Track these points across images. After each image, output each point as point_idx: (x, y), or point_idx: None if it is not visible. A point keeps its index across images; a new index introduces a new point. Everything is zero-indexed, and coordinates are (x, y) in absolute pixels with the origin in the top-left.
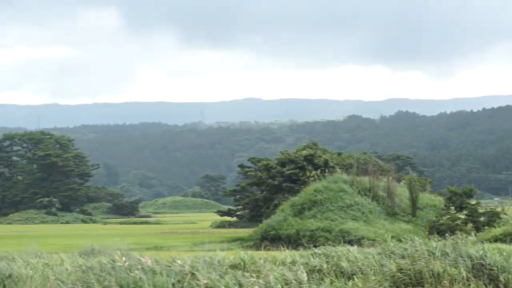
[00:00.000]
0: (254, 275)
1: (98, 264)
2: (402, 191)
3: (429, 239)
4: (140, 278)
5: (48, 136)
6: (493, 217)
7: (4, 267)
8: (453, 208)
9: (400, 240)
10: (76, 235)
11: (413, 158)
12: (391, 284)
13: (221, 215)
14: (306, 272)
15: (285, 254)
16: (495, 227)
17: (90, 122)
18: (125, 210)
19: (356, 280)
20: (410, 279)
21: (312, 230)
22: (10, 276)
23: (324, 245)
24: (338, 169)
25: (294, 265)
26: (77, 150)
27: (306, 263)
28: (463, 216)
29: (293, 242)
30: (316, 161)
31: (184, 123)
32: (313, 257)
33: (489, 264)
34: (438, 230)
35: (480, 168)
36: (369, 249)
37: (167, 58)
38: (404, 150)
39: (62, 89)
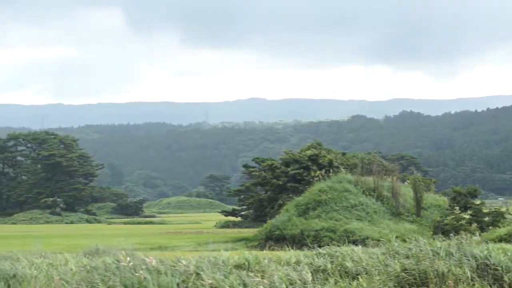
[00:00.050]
0: (258, 275)
1: (103, 264)
2: (406, 191)
3: (434, 239)
4: (145, 278)
5: (53, 136)
6: (497, 217)
7: (8, 267)
8: (457, 208)
9: (404, 240)
10: (80, 235)
11: (417, 158)
12: (396, 284)
13: (226, 215)
14: (311, 272)
15: (289, 254)
16: (499, 227)
17: (94, 122)
18: (129, 210)
19: (360, 280)
20: (415, 279)
21: (316, 230)
22: (14, 276)
23: (328, 245)
24: (342, 169)
25: (299, 265)
26: (81, 150)
27: (311, 263)
28: (467, 216)
29: (298, 242)
30: (320, 161)
31: (188, 123)
32: (317, 257)
33: (493, 264)
34: (442, 230)
35: (484, 168)
36: (373, 249)
37: (171, 58)
38: (409, 150)
39: (66, 89)
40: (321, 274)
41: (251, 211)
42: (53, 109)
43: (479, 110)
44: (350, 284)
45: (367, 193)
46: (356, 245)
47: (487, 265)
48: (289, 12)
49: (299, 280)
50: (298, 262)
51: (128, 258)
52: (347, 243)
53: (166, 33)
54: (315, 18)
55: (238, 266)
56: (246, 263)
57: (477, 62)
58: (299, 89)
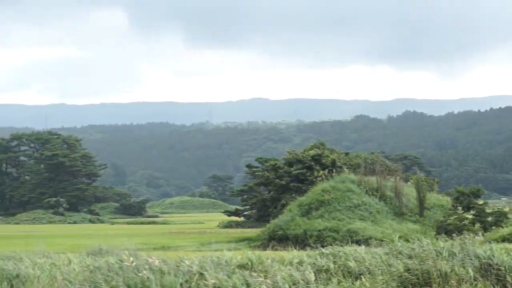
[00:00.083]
0: (261, 275)
1: (106, 264)
2: (409, 191)
3: (437, 239)
4: (148, 278)
5: (56, 136)
6: (500, 217)
7: (11, 267)
8: (460, 208)
9: (407, 240)
10: (83, 235)
11: (420, 158)
12: (399, 284)
13: (229, 215)
14: (314, 272)
15: (292, 254)
16: (502, 227)
17: (97, 122)
18: (132, 210)
19: (363, 280)
20: (418, 279)
21: (319, 230)
22: (17, 276)
23: (331, 245)
24: (345, 169)
25: (302, 265)
26: (84, 150)
27: (314, 263)
28: (470, 216)
29: (301, 242)
30: (323, 161)
31: (191, 123)
32: (320, 257)
33: (496, 264)
34: (445, 230)
35: (487, 168)
36: (376, 249)
37: (174, 58)
38: (412, 150)
39: (69, 89)
40: (324, 274)
41: (254, 211)
42: (56, 109)
43: (482, 110)
44: (353, 284)
45: (370, 193)
46: (359, 245)
47: (490, 265)
48: (290, 12)
49: (302, 280)
50: (301, 262)
51: (131, 258)
52: (350, 243)
53: (168, 33)
54: (317, 18)
55: (241, 266)
56: (249, 263)
57: (480, 62)
58: (302, 89)
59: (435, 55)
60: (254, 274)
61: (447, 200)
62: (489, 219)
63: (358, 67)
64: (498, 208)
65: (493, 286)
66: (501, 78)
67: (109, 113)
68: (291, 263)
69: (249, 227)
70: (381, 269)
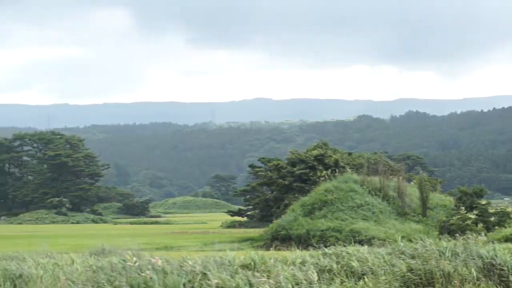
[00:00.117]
0: (264, 275)
1: (109, 264)
2: (412, 191)
3: (440, 239)
4: (151, 278)
5: (59, 136)
6: (503, 217)
7: (14, 267)
8: (463, 208)
9: (410, 240)
10: (86, 235)
11: (423, 158)
12: (402, 284)
13: (232, 215)
14: (317, 272)
15: (295, 254)
16: (505, 227)
17: (100, 122)
18: (135, 210)
19: (366, 280)
20: (421, 279)
21: (322, 230)
22: (20, 276)
23: (334, 245)
24: (348, 169)
25: (305, 265)
26: (87, 150)
27: (317, 263)
28: (473, 216)
29: (304, 242)
30: (326, 161)
31: (194, 123)
32: (323, 257)
33: (499, 264)
34: (448, 230)
35: (490, 168)
36: (379, 249)
37: (177, 58)
38: (415, 150)
39: (72, 89)
40: (327, 274)
41: (257, 211)
42: (59, 109)
43: (485, 110)
44: (356, 284)
45: (373, 193)
46: (362, 245)
47: (493, 265)
48: (290, 12)
49: (305, 280)
50: (304, 262)
51: (134, 258)
52: (353, 243)
53: (171, 33)
54: (317, 18)
55: (244, 266)
56: (252, 263)
57: (483, 62)
58: (305, 89)
59: (438, 55)
60: (257, 274)
61: (450, 200)
62: (492, 219)
63: (360, 67)
64: (501, 208)
65: (496, 286)
66: (504, 78)
67: (112, 113)
68: (294, 263)
69: (252, 227)
70: (384, 269)
